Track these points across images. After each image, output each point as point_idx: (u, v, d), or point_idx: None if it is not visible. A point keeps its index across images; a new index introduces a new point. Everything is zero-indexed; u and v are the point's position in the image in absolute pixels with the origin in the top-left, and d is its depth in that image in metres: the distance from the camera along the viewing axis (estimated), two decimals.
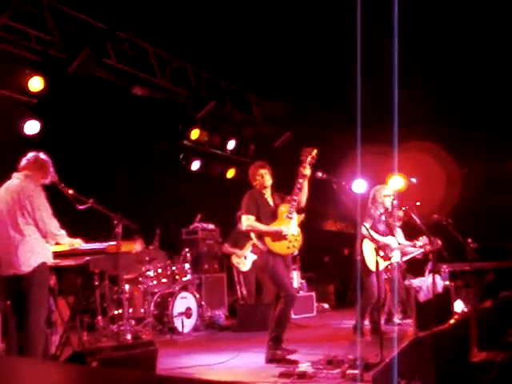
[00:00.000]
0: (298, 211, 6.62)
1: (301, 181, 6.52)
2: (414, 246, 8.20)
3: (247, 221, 6.55)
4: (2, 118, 8.67)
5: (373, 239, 7.10)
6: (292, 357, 6.44)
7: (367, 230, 7.02)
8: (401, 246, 8.13)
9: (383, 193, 8.11)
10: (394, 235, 8.01)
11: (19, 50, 8.71)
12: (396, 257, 8.07)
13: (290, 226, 6.50)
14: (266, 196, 6.74)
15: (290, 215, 6.51)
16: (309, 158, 6.53)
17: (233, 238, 10.60)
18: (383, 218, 8.03)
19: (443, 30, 10.02)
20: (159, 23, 9.56)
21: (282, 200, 6.73)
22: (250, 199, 6.67)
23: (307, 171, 6.50)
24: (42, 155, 5.98)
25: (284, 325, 6.53)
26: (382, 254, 7.01)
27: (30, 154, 5.95)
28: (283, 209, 6.58)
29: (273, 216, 6.62)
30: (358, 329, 7.85)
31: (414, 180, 7.97)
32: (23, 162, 5.92)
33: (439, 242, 8.05)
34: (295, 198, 6.53)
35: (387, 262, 7.82)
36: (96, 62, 9.39)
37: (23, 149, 6.09)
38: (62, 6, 8.99)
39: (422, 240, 8.07)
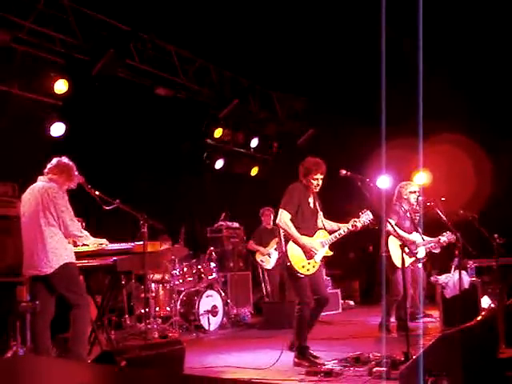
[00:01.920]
0: (331, 247, 6.53)
1: (349, 228, 6.49)
2: (439, 242, 8.12)
3: (284, 217, 6.28)
4: (28, 121, 8.80)
5: (398, 235, 7.08)
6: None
7: (392, 226, 6.99)
8: (426, 242, 8.07)
9: (409, 189, 8.08)
10: (418, 231, 7.97)
11: (44, 53, 8.82)
12: (421, 253, 8.03)
13: (319, 252, 6.40)
14: (308, 197, 6.51)
15: (324, 244, 6.44)
16: (367, 222, 6.53)
17: (257, 236, 10.63)
18: (408, 214, 8.00)
19: (469, 21, 9.93)
20: (181, 24, 9.61)
21: (320, 205, 6.64)
22: (293, 194, 6.40)
23: (358, 227, 6.50)
24: (65, 159, 6.04)
25: (304, 333, 6.33)
26: (407, 250, 6.99)
27: (54, 159, 6.03)
28: (322, 233, 6.50)
29: (308, 218, 6.44)
30: (384, 326, 7.83)
31: (443, 199, 7.93)
32: (47, 166, 6.00)
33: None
34: (338, 236, 6.49)
35: (413, 259, 7.78)
36: (119, 64, 9.48)
37: (49, 151, 6.17)
38: (85, 9, 9.09)
39: (447, 235, 8.00)
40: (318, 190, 6.57)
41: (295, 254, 6.29)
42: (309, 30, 10.29)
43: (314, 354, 6.39)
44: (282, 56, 10.79)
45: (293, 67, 11.22)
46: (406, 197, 8.04)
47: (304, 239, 6.31)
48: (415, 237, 7.98)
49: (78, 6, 9.03)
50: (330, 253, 6.53)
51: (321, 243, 6.42)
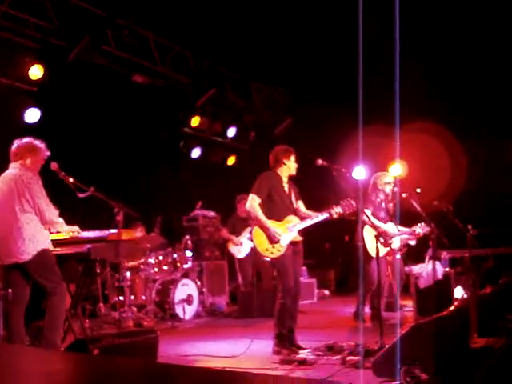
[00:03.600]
0: (300, 232, 6.46)
1: (324, 216, 6.44)
2: (414, 232, 8.23)
3: (252, 201, 6.32)
4: (2, 107, 8.68)
5: (373, 225, 7.11)
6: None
7: (368, 216, 7.03)
8: (400, 232, 8.16)
9: (384, 180, 8.15)
10: (393, 221, 8.04)
11: (19, 38, 8.70)
12: (396, 243, 8.09)
13: (284, 236, 6.33)
14: (282, 182, 6.53)
15: (292, 229, 6.38)
16: (346, 212, 6.47)
17: (231, 224, 10.60)
18: (383, 204, 8.07)
19: (445, 13, 9.98)
20: (159, 11, 9.53)
21: (297, 195, 6.63)
22: (265, 181, 6.44)
23: (335, 215, 6.45)
24: (19, 141, 5.91)
25: (285, 320, 6.32)
26: (381, 240, 7.04)
27: (12, 146, 5.90)
28: (291, 218, 6.44)
29: (280, 203, 6.43)
30: (360, 315, 7.89)
31: (418, 190, 8.01)
32: (11, 154, 5.90)
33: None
34: (309, 221, 6.45)
35: (387, 249, 7.84)
36: (96, 50, 9.38)
37: (24, 137, 6.07)
38: None
39: (421, 226, 8.11)
40: (294, 174, 6.59)
41: (258, 237, 6.32)
42: (286, 20, 10.27)
43: (300, 344, 6.36)
44: (259, 45, 10.76)
45: (270, 57, 11.19)
46: (381, 188, 8.11)
47: (269, 224, 6.30)
48: (390, 227, 8.05)
49: None
50: (299, 238, 6.44)
51: (287, 228, 6.37)
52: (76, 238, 6.21)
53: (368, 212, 7.66)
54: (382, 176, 8.26)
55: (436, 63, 10.98)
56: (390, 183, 8.14)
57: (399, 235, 8.13)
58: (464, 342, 4.59)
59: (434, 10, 9.88)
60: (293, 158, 6.58)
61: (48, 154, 6.01)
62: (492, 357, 4.20)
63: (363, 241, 7.82)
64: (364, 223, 7.76)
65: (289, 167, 6.56)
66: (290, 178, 6.66)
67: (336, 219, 6.62)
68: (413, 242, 8.57)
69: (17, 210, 5.66)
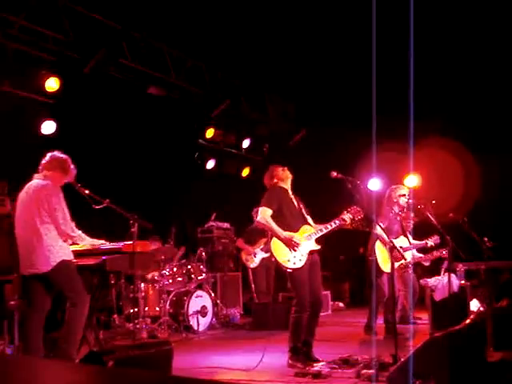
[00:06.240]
0: (317, 241, 6.45)
1: (337, 223, 6.43)
2: (426, 245, 8.34)
3: (264, 213, 6.30)
4: (19, 119, 8.76)
5: (384, 240, 7.12)
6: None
7: (383, 229, 7.01)
8: (413, 246, 8.18)
9: (398, 192, 8.17)
10: (406, 235, 8.03)
11: (35, 50, 8.79)
12: (408, 257, 8.06)
13: (303, 244, 6.31)
14: (289, 195, 6.54)
15: (310, 237, 6.36)
16: (355, 218, 6.48)
17: (247, 235, 10.59)
18: (398, 218, 8.06)
19: (459, 23, 9.96)
20: (174, 23, 9.61)
21: (305, 207, 6.63)
22: (273, 193, 6.47)
23: (347, 221, 6.45)
24: (58, 153, 6.01)
25: (300, 334, 6.24)
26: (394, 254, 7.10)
27: (47, 155, 5.99)
28: (307, 228, 6.42)
29: (299, 216, 6.46)
30: (373, 328, 7.87)
31: (433, 202, 8.03)
32: (42, 163, 5.96)
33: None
34: (324, 230, 6.42)
35: (400, 262, 7.80)
36: (111, 62, 9.46)
37: (40, 149, 6.13)
38: (77, 7, 9.06)
39: (433, 239, 8.19)
40: (291, 180, 6.65)
41: (278, 249, 6.27)
42: (301, 32, 10.30)
43: (317, 357, 6.31)
44: (273, 57, 10.79)
45: (285, 69, 11.22)
46: (395, 200, 8.11)
47: (285, 233, 6.27)
48: (402, 241, 8.02)
49: (71, 4, 9.00)
50: (318, 246, 6.42)
51: (305, 237, 6.35)
52: (91, 250, 6.23)
53: (382, 225, 7.68)
54: (396, 188, 8.28)
55: (450, 79, 10.96)
56: (404, 195, 8.15)
57: (411, 249, 8.13)
58: (480, 356, 4.54)
59: (451, 22, 9.86)
60: (279, 168, 6.68)
61: (71, 181, 6.06)
62: (510, 370, 4.15)
63: (375, 255, 7.85)
64: (376, 237, 7.80)
65: (282, 176, 6.62)
66: (294, 191, 6.66)
67: (350, 229, 6.61)
68: (427, 263, 8.68)
69: (37, 222, 5.70)
